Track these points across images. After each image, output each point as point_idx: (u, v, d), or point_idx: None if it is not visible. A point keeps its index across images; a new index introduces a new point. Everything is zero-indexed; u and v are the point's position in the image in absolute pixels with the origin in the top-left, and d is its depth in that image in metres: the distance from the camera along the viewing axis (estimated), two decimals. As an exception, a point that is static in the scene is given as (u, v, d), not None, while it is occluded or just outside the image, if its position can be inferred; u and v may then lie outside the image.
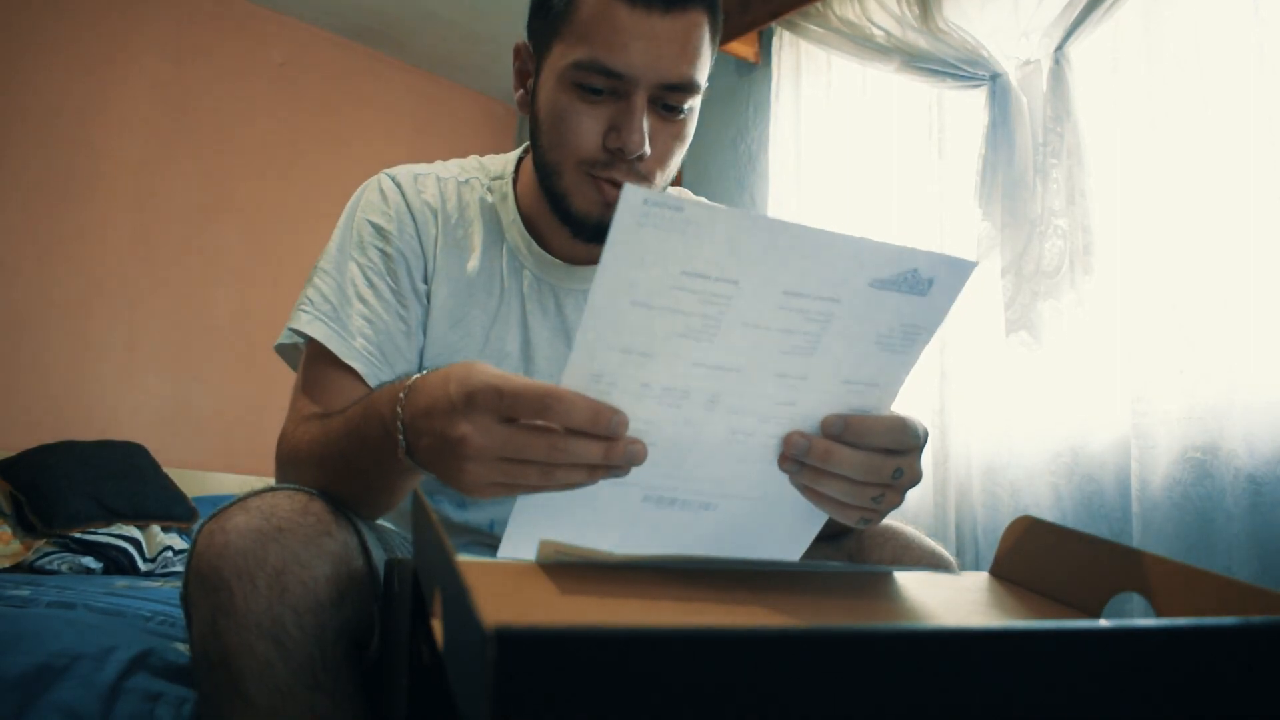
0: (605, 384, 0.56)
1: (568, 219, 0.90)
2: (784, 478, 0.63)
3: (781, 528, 0.68)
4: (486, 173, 1.00)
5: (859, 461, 0.61)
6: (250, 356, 2.98)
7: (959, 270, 0.58)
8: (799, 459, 0.61)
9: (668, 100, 0.84)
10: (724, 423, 0.60)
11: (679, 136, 0.88)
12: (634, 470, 0.58)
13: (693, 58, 0.84)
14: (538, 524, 0.62)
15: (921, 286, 0.58)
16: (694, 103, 0.87)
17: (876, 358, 0.60)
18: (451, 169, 0.99)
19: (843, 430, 0.61)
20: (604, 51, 0.81)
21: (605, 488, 0.59)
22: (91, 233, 2.77)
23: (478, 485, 0.58)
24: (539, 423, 0.56)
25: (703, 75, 0.86)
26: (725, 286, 0.55)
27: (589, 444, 0.56)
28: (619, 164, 0.85)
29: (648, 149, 0.84)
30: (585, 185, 0.87)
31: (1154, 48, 1.82)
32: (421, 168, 0.98)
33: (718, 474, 0.62)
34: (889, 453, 0.62)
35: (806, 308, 0.57)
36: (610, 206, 0.84)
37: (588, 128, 0.84)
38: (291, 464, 0.80)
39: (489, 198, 0.98)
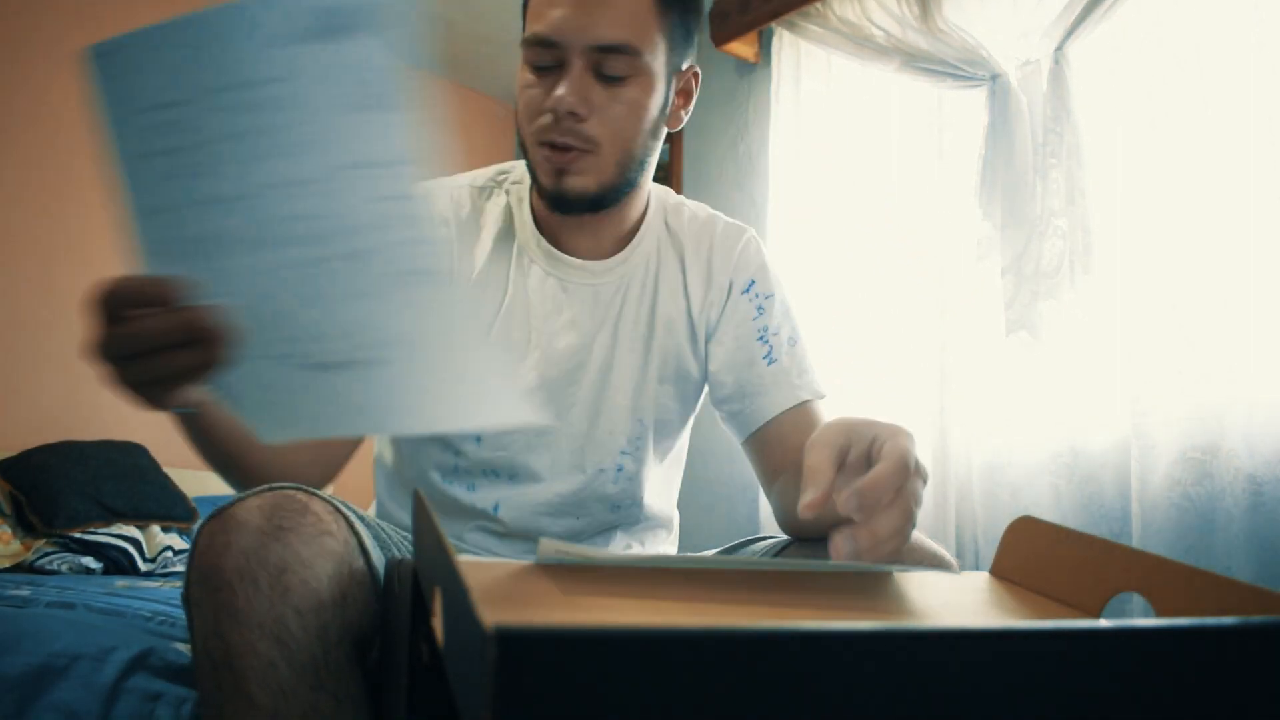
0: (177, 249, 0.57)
1: (541, 193, 0.95)
2: (412, 317, 0.58)
3: (461, 380, 0.62)
4: (511, 177, 1.06)
5: (895, 522, 0.61)
6: (250, 356, 2.98)
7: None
8: (854, 555, 0.61)
9: (604, 66, 0.88)
10: (291, 255, 0.57)
11: (625, 102, 0.90)
12: (265, 338, 0.59)
13: (621, 20, 0.88)
14: (242, 415, 0.64)
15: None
16: (634, 67, 0.90)
17: (358, 126, 0.53)
18: (472, 177, 1.06)
19: (858, 507, 0.60)
20: (538, 23, 0.88)
21: (266, 369, 0.60)
22: (92, 233, 2.77)
23: (130, 397, 0.61)
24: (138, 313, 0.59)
25: (640, 40, 0.89)
26: (184, 111, 0.55)
27: (165, 318, 0.58)
28: (560, 124, 0.89)
29: (579, 108, 0.88)
30: (541, 158, 0.92)
31: (1154, 48, 1.82)
32: (445, 180, 1.04)
33: (339, 323, 0.59)
34: (904, 486, 0.63)
35: (255, 99, 0.54)
36: (560, 174, 0.91)
37: (535, 97, 0.90)
38: None
39: (506, 199, 1.03)
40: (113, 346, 0.59)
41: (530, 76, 0.90)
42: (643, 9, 0.89)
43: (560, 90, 0.87)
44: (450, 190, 1.02)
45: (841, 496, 0.60)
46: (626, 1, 0.88)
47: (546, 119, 0.89)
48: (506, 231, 1.01)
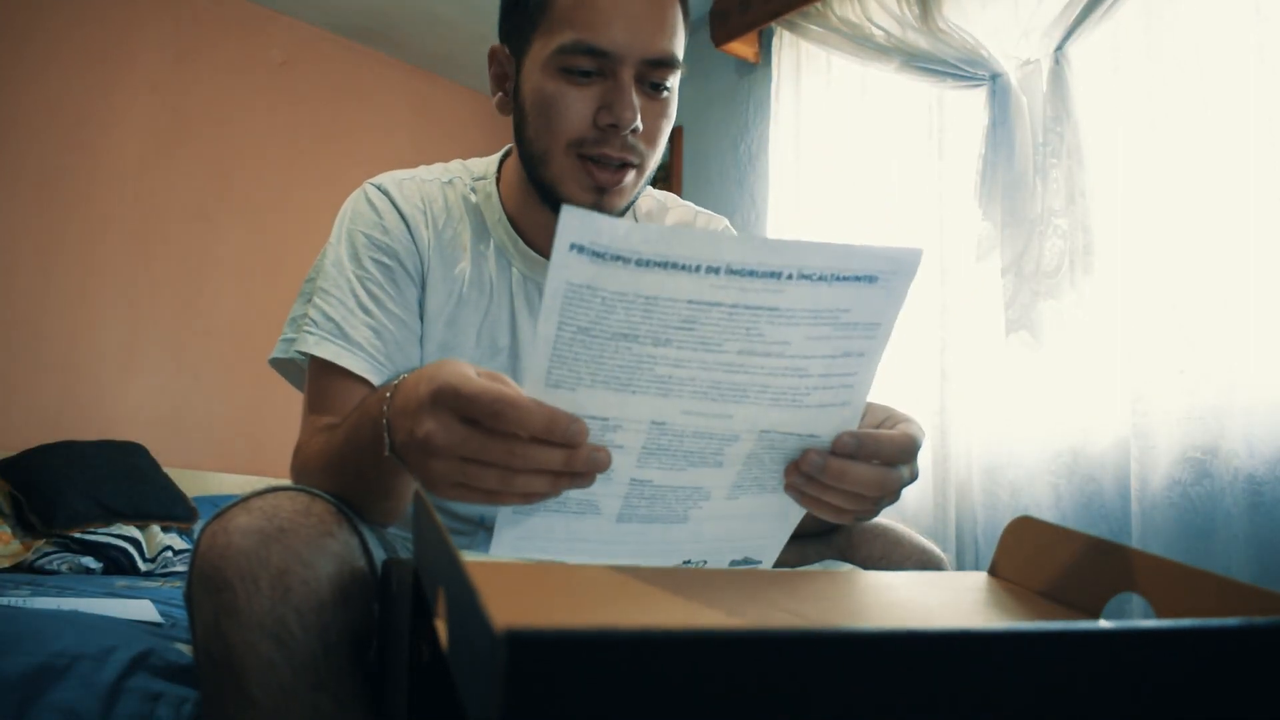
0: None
1: (558, 208, 0.90)
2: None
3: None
4: (469, 173, 1.01)
5: (871, 478, 0.62)
6: (250, 356, 2.98)
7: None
8: (812, 475, 0.61)
9: (652, 77, 0.86)
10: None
11: (664, 115, 0.89)
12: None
13: (671, 34, 0.86)
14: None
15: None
16: (674, 81, 0.89)
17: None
18: (435, 172, 1.00)
19: (857, 449, 0.61)
20: (588, 32, 0.83)
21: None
22: (91, 232, 2.76)
23: (439, 483, 0.57)
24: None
25: (680, 52, 0.88)
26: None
27: (548, 451, 0.54)
28: (612, 140, 0.86)
29: (639, 123, 0.85)
30: (576, 171, 0.87)
31: (1154, 48, 1.82)
32: (404, 173, 0.99)
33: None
34: (897, 464, 0.63)
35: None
36: (601, 191, 0.87)
37: (578, 109, 0.85)
38: (303, 476, 0.80)
39: (473, 198, 0.98)
40: (482, 451, 0.54)
41: (562, 85, 0.85)
42: (678, 22, 0.87)
43: (622, 106, 0.84)
44: (421, 183, 0.97)
45: (842, 435, 0.61)
46: (670, 16, 0.86)
47: (592, 132, 0.86)
48: (480, 230, 0.97)
